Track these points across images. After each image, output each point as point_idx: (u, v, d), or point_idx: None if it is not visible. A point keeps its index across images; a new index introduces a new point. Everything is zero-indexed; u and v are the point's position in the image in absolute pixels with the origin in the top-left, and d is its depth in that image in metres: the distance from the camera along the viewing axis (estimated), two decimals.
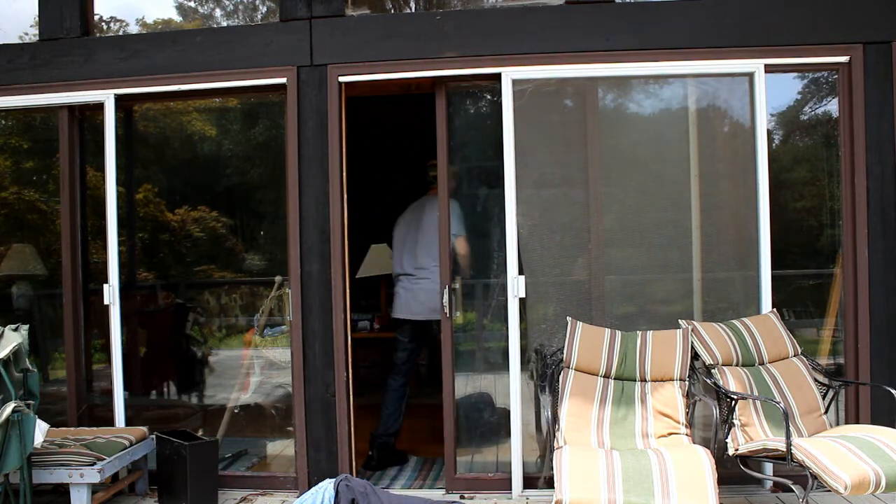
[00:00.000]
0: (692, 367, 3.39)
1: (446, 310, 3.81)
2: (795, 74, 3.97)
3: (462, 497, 3.72)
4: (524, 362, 3.79)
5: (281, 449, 4.23)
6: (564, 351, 3.48)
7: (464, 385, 3.98)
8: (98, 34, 4.23)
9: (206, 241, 5.00)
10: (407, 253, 4.47)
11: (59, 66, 4.00)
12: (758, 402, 3.21)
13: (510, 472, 3.73)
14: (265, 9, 4.63)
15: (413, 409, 6.14)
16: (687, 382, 3.34)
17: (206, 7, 4.85)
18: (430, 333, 4.49)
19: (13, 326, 3.21)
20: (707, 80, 3.84)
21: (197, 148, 5.14)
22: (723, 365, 3.33)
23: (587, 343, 3.46)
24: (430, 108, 3.89)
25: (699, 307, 3.78)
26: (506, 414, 3.78)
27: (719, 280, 3.77)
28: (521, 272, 3.75)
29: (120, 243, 4.02)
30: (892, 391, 3.09)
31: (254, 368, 4.44)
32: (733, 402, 3.14)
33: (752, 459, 3.18)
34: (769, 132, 3.83)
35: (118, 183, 4.01)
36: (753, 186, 3.69)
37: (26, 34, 4.29)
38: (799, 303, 3.98)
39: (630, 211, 3.85)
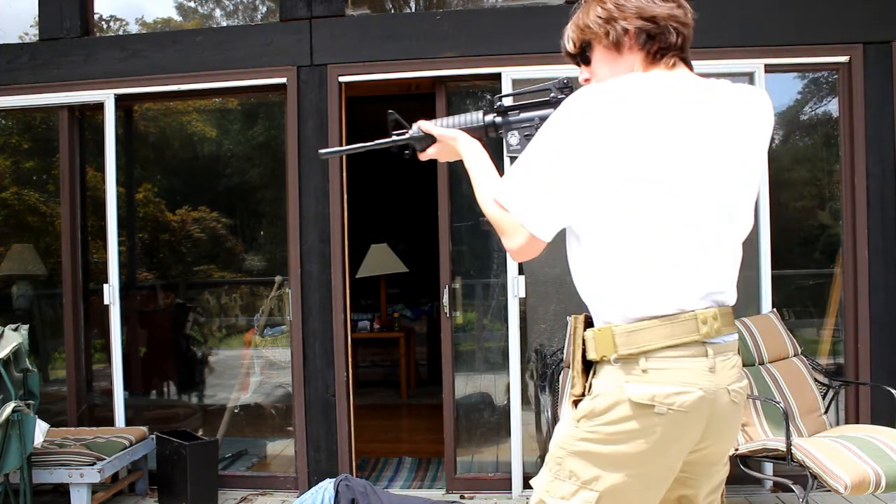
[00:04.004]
0: None
1: (446, 310, 3.81)
2: (795, 74, 3.97)
3: (462, 497, 3.72)
4: (524, 362, 3.80)
5: (281, 449, 4.23)
6: (564, 351, 3.48)
7: (464, 385, 3.98)
8: (98, 34, 4.23)
9: (206, 242, 5.00)
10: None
11: (58, 66, 3.99)
12: (758, 402, 3.21)
13: (510, 472, 3.73)
14: (265, 9, 4.63)
15: (413, 409, 6.16)
16: None
17: (206, 7, 4.85)
18: None
19: (13, 326, 3.21)
20: None
21: (197, 148, 5.14)
22: None
23: None
24: (430, 108, 3.88)
25: None
26: (506, 414, 3.78)
27: None
28: (521, 272, 3.75)
29: (120, 243, 4.02)
30: (892, 391, 3.09)
31: (254, 368, 4.43)
32: None
33: (752, 459, 3.18)
34: None
35: (118, 183, 4.01)
36: None
37: (26, 34, 4.29)
38: (799, 303, 3.99)
39: None
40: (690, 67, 1.46)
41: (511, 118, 1.60)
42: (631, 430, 1.33)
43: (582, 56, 1.52)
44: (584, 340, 1.41)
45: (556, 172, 1.33)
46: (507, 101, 1.62)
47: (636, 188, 1.31)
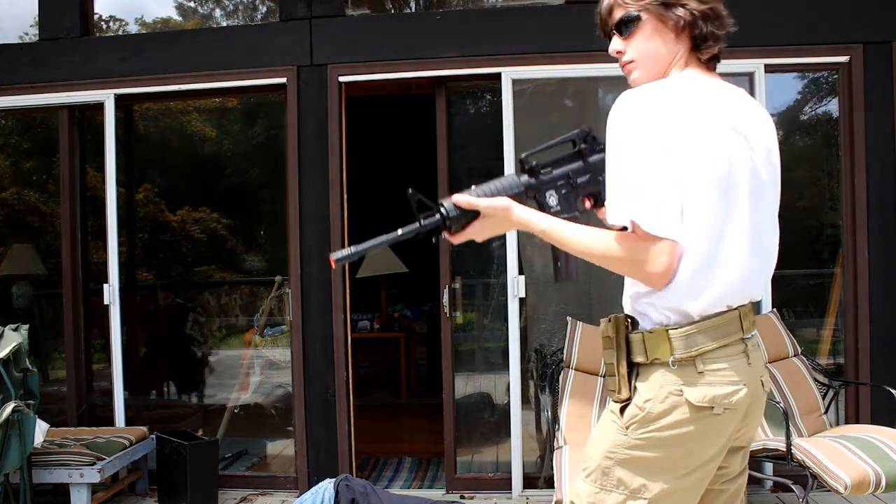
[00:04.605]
0: None
1: (446, 310, 3.81)
2: (795, 74, 3.97)
3: (462, 497, 3.71)
4: (524, 362, 3.79)
5: (281, 449, 4.23)
6: (564, 351, 3.48)
7: (464, 385, 3.98)
8: (98, 34, 4.23)
9: (206, 242, 5.00)
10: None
11: (59, 66, 3.99)
12: None
13: (510, 472, 3.73)
14: (265, 9, 4.63)
15: (413, 409, 6.16)
16: None
17: (205, 7, 4.85)
18: None
19: (13, 326, 3.21)
20: None
21: (197, 148, 5.14)
22: None
23: (587, 343, 3.46)
24: (430, 107, 3.88)
25: None
26: (506, 414, 3.78)
27: None
28: (521, 272, 3.75)
29: (120, 243, 4.02)
30: (892, 391, 3.09)
31: (254, 368, 4.44)
32: None
33: (752, 459, 3.18)
34: None
35: (118, 183, 4.01)
36: None
37: (26, 34, 4.29)
38: (799, 303, 3.99)
39: None
40: (715, 69, 1.48)
41: (544, 177, 1.48)
42: (687, 433, 1.32)
43: (624, 26, 1.43)
44: (628, 343, 1.38)
45: (665, 167, 1.29)
46: (532, 161, 1.50)
47: (697, 185, 1.30)
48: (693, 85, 1.36)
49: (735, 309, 1.36)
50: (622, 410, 1.37)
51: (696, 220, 1.30)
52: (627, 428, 1.35)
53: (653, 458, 1.34)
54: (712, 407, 1.31)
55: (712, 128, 1.31)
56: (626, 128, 1.33)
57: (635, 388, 1.36)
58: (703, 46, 1.41)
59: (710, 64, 1.45)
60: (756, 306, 3.65)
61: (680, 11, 1.38)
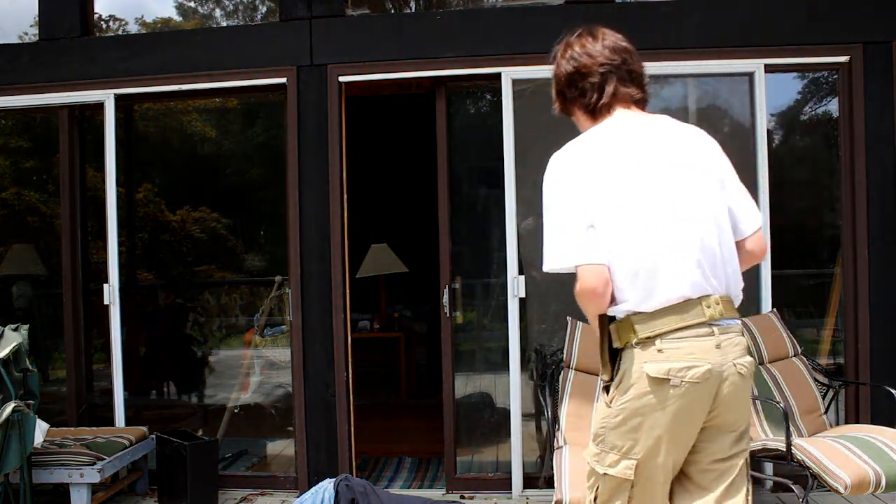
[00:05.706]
0: None
1: (446, 310, 3.81)
2: (795, 74, 3.97)
3: (462, 497, 3.71)
4: (524, 362, 3.79)
5: (281, 449, 4.23)
6: (564, 351, 3.48)
7: (464, 385, 3.98)
8: (98, 34, 4.23)
9: (206, 242, 5.01)
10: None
11: (59, 66, 3.99)
12: (758, 402, 3.21)
13: (510, 472, 3.73)
14: (265, 9, 4.64)
15: (413, 409, 6.16)
16: None
17: (205, 7, 4.86)
18: None
19: (13, 326, 3.21)
20: (707, 80, 3.84)
21: (197, 148, 5.14)
22: None
23: (587, 343, 3.46)
24: (430, 107, 3.88)
25: None
26: (506, 414, 3.78)
27: None
28: (521, 272, 3.75)
29: (120, 243, 4.02)
30: (892, 391, 3.09)
31: (254, 368, 4.44)
32: None
33: (752, 459, 3.18)
34: (769, 132, 3.83)
35: (118, 183, 4.01)
36: (753, 186, 3.68)
37: (26, 34, 4.29)
38: (799, 303, 3.99)
39: None
40: (633, 103, 1.82)
41: None
42: (653, 403, 1.58)
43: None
44: (609, 332, 1.67)
45: (569, 212, 1.65)
46: None
47: (613, 207, 1.62)
48: (601, 133, 1.72)
49: (694, 299, 1.59)
50: (606, 389, 1.68)
51: (612, 244, 1.62)
52: (611, 402, 1.65)
53: (632, 425, 1.61)
54: (669, 379, 1.56)
55: (603, 171, 1.64)
56: (544, 191, 1.72)
57: (618, 369, 1.65)
58: (598, 105, 1.77)
59: (637, 104, 1.81)
60: (756, 306, 3.64)
61: (556, 105, 1.88)
